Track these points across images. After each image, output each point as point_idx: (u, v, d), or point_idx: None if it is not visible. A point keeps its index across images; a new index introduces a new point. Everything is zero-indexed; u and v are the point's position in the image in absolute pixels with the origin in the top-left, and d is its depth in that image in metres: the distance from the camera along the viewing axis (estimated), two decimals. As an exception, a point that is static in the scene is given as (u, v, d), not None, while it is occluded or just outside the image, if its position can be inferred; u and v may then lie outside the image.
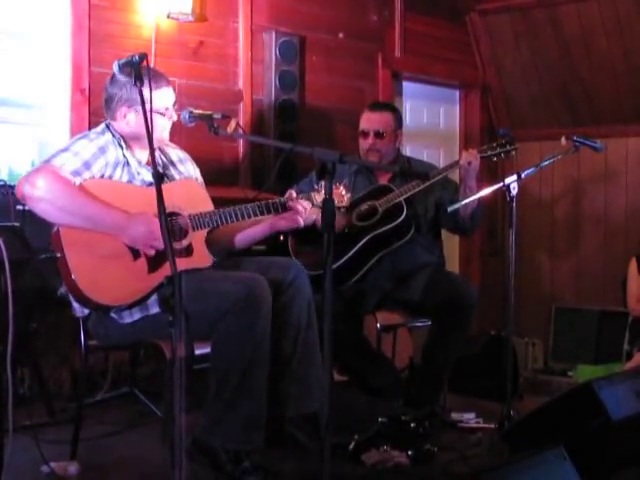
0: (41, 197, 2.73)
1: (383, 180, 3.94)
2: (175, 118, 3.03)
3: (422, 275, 3.81)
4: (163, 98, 2.94)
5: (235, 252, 3.24)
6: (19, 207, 3.45)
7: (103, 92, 3.00)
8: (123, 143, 2.97)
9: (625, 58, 5.54)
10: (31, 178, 2.75)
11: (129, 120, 2.95)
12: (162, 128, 2.99)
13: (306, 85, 5.07)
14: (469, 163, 3.71)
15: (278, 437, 3.00)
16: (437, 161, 5.65)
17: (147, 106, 2.31)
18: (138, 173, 2.97)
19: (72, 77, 4.15)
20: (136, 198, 2.86)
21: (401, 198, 3.73)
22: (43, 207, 2.75)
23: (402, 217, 3.73)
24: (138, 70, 2.39)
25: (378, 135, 3.88)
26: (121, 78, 2.86)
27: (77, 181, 2.81)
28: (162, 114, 2.94)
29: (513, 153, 3.80)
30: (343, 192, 3.10)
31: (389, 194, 3.76)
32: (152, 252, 2.82)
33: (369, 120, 3.94)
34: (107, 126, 3.01)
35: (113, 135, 2.97)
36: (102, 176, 2.89)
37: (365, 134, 3.91)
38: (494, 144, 3.81)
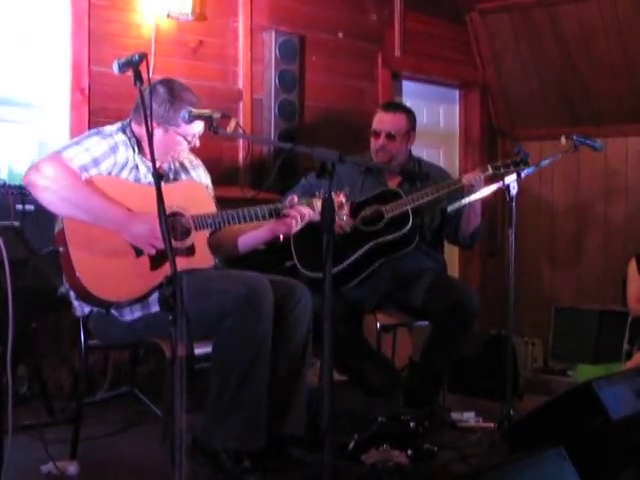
0: (47, 186, 2.75)
1: (392, 182, 3.91)
2: (198, 144, 3.07)
3: (423, 281, 3.79)
4: (195, 126, 2.97)
5: (238, 256, 3.24)
6: (19, 207, 3.45)
7: (138, 95, 2.98)
8: (137, 147, 2.98)
9: (625, 58, 5.54)
10: (40, 166, 2.77)
11: (155, 135, 2.93)
12: (181, 149, 3.03)
13: (306, 85, 5.06)
14: (472, 185, 3.66)
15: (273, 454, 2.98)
16: (437, 161, 5.65)
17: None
18: (145, 177, 2.98)
19: (72, 77, 4.14)
20: (141, 197, 2.87)
21: (408, 207, 3.71)
22: (48, 196, 2.77)
23: (407, 227, 3.71)
24: (137, 70, 2.38)
25: (389, 136, 3.84)
26: (162, 94, 2.88)
27: (83, 176, 2.82)
28: (189, 142, 3.00)
29: (524, 174, 3.64)
30: (343, 200, 3.08)
31: (397, 200, 3.73)
32: (152, 251, 2.82)
33: (381, 120, 3.89)
34: (123, 127, 3.01)
35: (128, 138, 2.98)
36: (109, 174, 2.90)
37: (377, 134, 3.87)
38: (508, 161, 3.74)
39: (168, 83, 2.99)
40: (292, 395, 3.03)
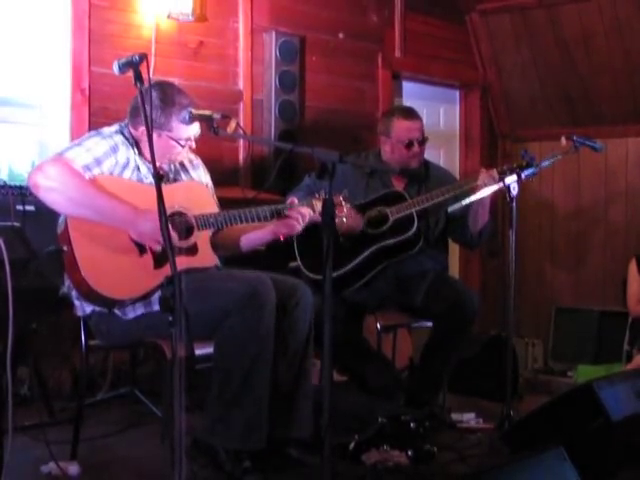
0: (52, 187, 2.75)
1: (398, 184, 3.91)
2: (194, 147, 3.07)
3: (424, 281, 3.79)
4: (189, 130, 2.98)
5: (238, 255, 3.24)
6: (19, 207, 3.46)
7: (132, 99, 2.98)
8: (136, 148, 2.99)
9: (625, 58, 5.54)
10: (44, 167, 2.79)
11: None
12: (177, 153, 3.03)
13: (306, 85, 5.06)
14: (485, 184, 3.63)
15: (273, 454, 2.98)
16: (437, 161, 5.64)
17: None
18: (146, 178, 2.99)
19: (72, 77, 4.14)
20: (144, 196, 2.86)
21: (413, 209, 3.71)
22: (53, 197, 2.77)
23: (412, 231, 3.70)
24: (137, 71, 2.38)
25: (421, 142, 3.87)
26: (154, 99, 2.88)
27: (87, 176, 2.83)
28: (182, 146, 2.99)
29: (524, 175, 3.63)
30: (342, 203, 3.08)
31: (402, 202, 3.73)
32: (158, 247, 2.82)
33: (411, 129, 3.86)
34: (121, 129, 3.02)
35: (127, 138, 2.99)
36: (111, 174, 2.91)
37: (410, 144, 3.83)
38: (514, 165, 3.72)
39: (162, 87, 2.98)
40: (296, 396, 3.02)
